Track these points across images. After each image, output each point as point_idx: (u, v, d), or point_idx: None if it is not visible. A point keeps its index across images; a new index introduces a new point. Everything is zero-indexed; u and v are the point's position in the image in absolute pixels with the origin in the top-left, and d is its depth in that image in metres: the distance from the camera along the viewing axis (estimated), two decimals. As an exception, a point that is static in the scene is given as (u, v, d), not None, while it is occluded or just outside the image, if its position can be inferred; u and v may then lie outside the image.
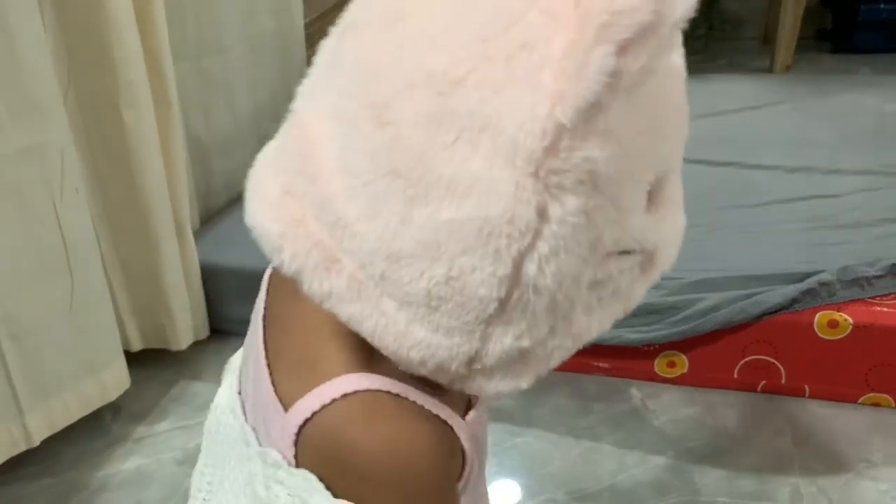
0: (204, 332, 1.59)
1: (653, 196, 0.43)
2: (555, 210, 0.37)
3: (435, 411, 0.46)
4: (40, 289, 1.23)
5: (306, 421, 0.44)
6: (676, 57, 0.43)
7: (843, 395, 1.38)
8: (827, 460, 1.27)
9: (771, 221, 1.64)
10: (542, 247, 0.38)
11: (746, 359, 1.40)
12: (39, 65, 1.14)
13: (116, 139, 1.33)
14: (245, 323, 1.33)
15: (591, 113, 0.35)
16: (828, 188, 1.77)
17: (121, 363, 1.40)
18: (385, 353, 0.42)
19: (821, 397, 1.39)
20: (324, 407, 0.44)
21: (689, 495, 1.21)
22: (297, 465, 0.46)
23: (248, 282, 1.43)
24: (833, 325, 1.33)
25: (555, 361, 0.43)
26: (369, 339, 0.42)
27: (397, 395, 0.44)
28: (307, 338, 0.48)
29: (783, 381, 1.40)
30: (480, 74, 0.37)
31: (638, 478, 1.25)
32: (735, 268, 1.45)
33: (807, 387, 1.39)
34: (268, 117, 1.99)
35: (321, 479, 0.45)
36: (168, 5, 1.39)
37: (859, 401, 1.38)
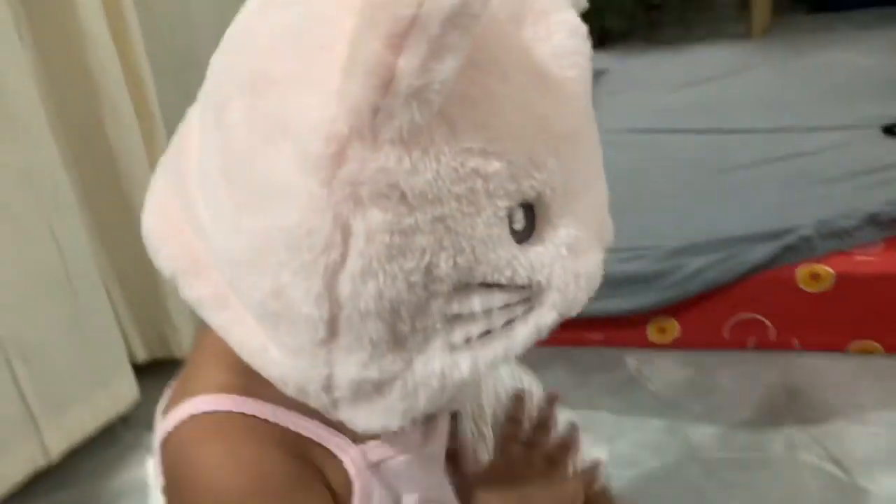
0: (207, 338, 1.62)
1: (536, 227, 0.40)
2: (357, 225, 0.35)
3: (316, 439, 0.46)
4: (44, 308, 1.27)
5: (168, 433, 0.46)
6: (553, 65, 0.40)
7: (832, 344, 1.41)
8: (819, 409, 1.30)
9: (750, 183, 1.67)
10: (353, 265, 0.36)
11: (735, 318, 1.43)
12: (21, 85, 1.18)
13: (104, 157, 1.37)
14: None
15: (372, 117, 0.34)
16: (804, 146, 1.80)
17: (128, 375, 1.44)
18: (255, 368, 0.42)
19: (810, 348, 1.43)
20: (182, 422, 0.45)
21: (686, 453, 1.25)
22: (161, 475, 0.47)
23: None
24: (815, 277, 1.36)
25: (423, 401, 0.40)
26: (238, 353, 0.42)
27: (264, 420, 0.44)
28: (202, 352, 0.49)
29: (772, 337, 1.43)
30: (289, 76, 0.36)
31: (636, 441, 1.28)
32: (717, 231, 1.48)
33: (795, 340, 1.43)
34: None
35: (166, 493, 0.46)
36: (142, 20, 1.42)
37: (848, 349, 1.41)
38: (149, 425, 1.55)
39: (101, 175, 1.40)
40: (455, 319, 0.39)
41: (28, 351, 1.24)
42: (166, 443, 0.46)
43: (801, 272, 1.36)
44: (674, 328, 1.47)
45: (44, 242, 1.26)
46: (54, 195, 1.26)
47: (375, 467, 0.48)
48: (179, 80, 1.77)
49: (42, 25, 1.27)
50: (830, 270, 1.35)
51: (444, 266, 0.37)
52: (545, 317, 0.41)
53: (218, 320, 0.42)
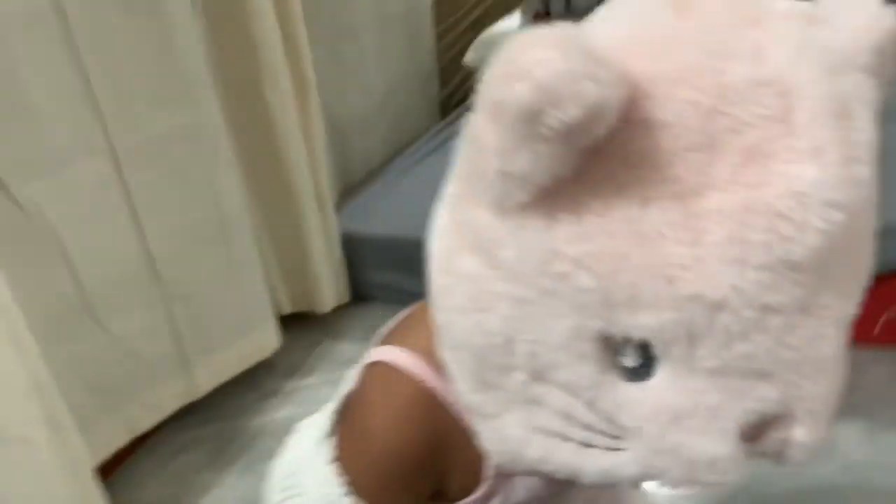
0: (346, 297, 1.70)
1: (654, 371, 0.36)
2: (458, 263, 0.40)
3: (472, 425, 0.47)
4: (200, 256, 1.37)
5: (370, 363, 0.52)
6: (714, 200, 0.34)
7: None
8: (979, 418, 1.20)
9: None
10: (454, 295, 0.41)
11: (890, 314, 1.34)
12: (192, 51, 1.27)
13: (261, 119, 1.46)
14: (382, 287, 1.40)
15: (476, 182, 0.37)
16: None
17: (273, 324, 1.53)
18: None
19: (975, 354, 1.32)
20: (381, 361, 0.51)
21: (822, 450, 1.18)
22: None
23: (384, 250, 1.52)
24: None
25: (508, 456, 0.42)
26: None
27: (440, 398, 0.48)
28: (424, 307, 0.51)
29: (931, 338, 1.33)
30: None
31: (768, 432, 1.23)
32: (879, 217, 1.38)
33: (958, 343, 1.32)
34: (400, 98, 2.07)
35: (345, 401, 0.53)
36: (303, -5, 1.49)
37: None
38: (288, 373, 1.64)
39: (258, 136, 1.48)
40: (535, 402, 0.39)
41: (185, 292, 1.34)
42: (366, 370, 0.53)
43: (971, 269, 1.25)
44: (819, 320, 1.39)
45: (204, 195, 1.35)
46: (215, 152, 1.36)
47: (509, 476, 0.51)
48: (334, 50, 1.85)
49: (213, -2, 1.37)
50: None
51: (520, 348, 0.38)
52: (626, 465, 0.37)
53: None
